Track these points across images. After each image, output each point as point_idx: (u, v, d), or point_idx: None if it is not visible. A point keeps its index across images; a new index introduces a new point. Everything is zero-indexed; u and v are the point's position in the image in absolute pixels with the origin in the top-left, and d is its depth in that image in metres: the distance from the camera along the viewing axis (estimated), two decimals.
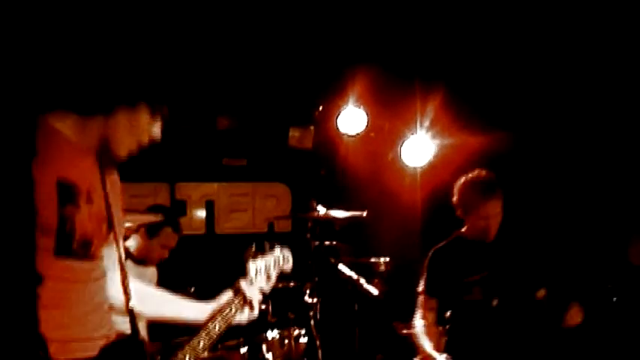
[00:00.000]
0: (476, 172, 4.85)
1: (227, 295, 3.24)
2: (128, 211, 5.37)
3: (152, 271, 5.77)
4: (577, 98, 6.70)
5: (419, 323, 4.83)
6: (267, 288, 3.41)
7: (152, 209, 5.73)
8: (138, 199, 7.07)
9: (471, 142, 6.85)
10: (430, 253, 4.93)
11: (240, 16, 6.14)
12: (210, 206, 7.61)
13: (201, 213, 7.58)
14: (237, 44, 6.44)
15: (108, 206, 2.79)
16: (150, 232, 5.50)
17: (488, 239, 4.74)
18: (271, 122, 7.50)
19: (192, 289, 5.49)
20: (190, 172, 7.45)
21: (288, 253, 3.59)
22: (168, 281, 5.79)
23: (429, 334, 4.78)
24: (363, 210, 5.71)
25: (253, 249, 3.44)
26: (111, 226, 2.81)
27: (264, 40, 6.46)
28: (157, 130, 2.87)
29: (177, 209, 7.21)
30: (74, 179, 2.63)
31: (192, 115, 7.11)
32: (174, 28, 6.01)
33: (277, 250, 3.54)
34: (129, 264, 5.59)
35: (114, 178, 2.93)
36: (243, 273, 3.37)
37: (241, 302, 3.23)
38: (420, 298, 4.91)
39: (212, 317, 3.16)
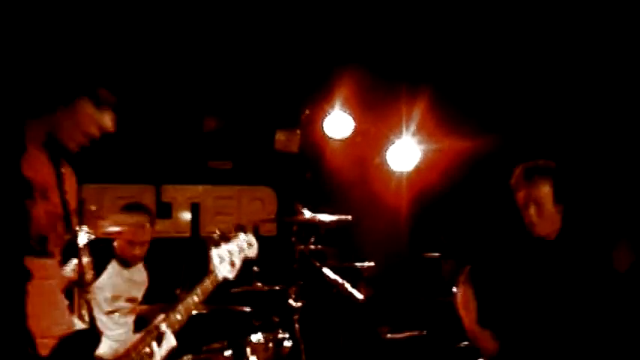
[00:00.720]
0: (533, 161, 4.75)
1: (141, 333, 3.02)
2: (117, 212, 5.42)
3: (140, 270, 5.75)
4: (565, 102, 6.72)
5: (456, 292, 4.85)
6: (231, 276, 3.33)
7: (129, 207, 5.72)
8: (124, 200, 7.03)
9: (457, 146, 6.87)
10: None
11: (227, 19, 6.13)
12: (195, 209, 7.58)
13: (187, 215, 7.55)
14: (225, 47, 6.43)
15: (65, 204, 2.79)
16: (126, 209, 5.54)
17: (533, 233, 4.65)
18: (257, 125, 7.49)
19: (179, 292, 5.46)
20: (176, 175, 7.42)
21: (252, 239, 3.50)
22: (154, 284, 5.79)
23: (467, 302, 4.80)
24: (349, 214, 5.70)
25: (216, 236, 3.36)
26: (69, 225, 2.80)
27: (251, 44, 6.45)
28: (106, 120, 2.87)
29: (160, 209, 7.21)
30: (31, 175, 2.65)
31: (178, 117, 7.10)
32: (162, 30, 6.00)
33: (241, 236, 3.44)
34: (117, 268, 5.59)
35: (69, 175, 2.91)
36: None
37: (153, 339, 2.99)
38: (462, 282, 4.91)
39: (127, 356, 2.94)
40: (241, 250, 3.40)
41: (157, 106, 6.84)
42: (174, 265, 6.46)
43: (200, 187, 7.62)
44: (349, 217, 5.67)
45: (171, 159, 7.26)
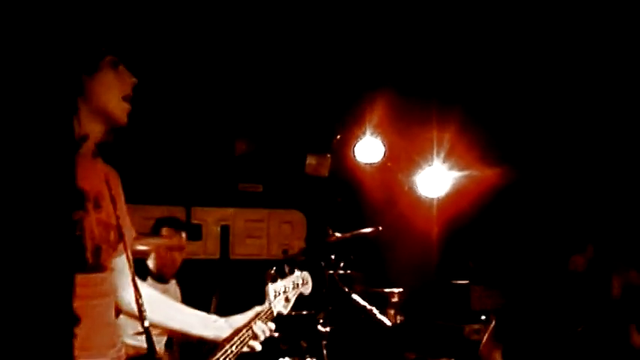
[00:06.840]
0: None
1: (242, 320, 3.17)
2: (144, 234, 5.42)
3: (174, 286, 5.76)
4: (598, 131, 6.70)
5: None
6: (285, 312, 3.39)
7: (161, 222, 5.72)
8: (154, 221, 7.10)
9: (487, 173, 6.86)
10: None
11: (259, 44, 6.18)
12: (225, 231, 7.61)
13: (217, 238, 7.58)
14: (257, 71, 6.47)
15: (115, 213, 2.74)
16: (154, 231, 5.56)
17: None
18: (288, 149, 7.52)
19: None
20: (206, 197, 7.46)
21: (307, 277, 3.59)
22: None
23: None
24: (378, 239, 5.70)
25: (273, 272, 3.42)
26: (120, 235, 2.76)
27: (283, 68, 6.49)
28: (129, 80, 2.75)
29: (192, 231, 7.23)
30: (83, 185, 2.59)
31: (210, 139, 7.15)
32: (195, 53, 6.06)
33: (296, 273, 3.52)
34: (151, 283, 5.60)
35: (116, 184, 2.85)
36: (257, 299, 3.36)
37: (249, 336, 3.15)
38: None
39: (229, 339, 3.08)
40: (296, 286, 3.48)
41: (189, 129, 6.89)
42: (204, 287, 6.49)
43: (230, 210, 7.65)
44: (379, 228, 5.67)
45: (202, 181, 7.30)
